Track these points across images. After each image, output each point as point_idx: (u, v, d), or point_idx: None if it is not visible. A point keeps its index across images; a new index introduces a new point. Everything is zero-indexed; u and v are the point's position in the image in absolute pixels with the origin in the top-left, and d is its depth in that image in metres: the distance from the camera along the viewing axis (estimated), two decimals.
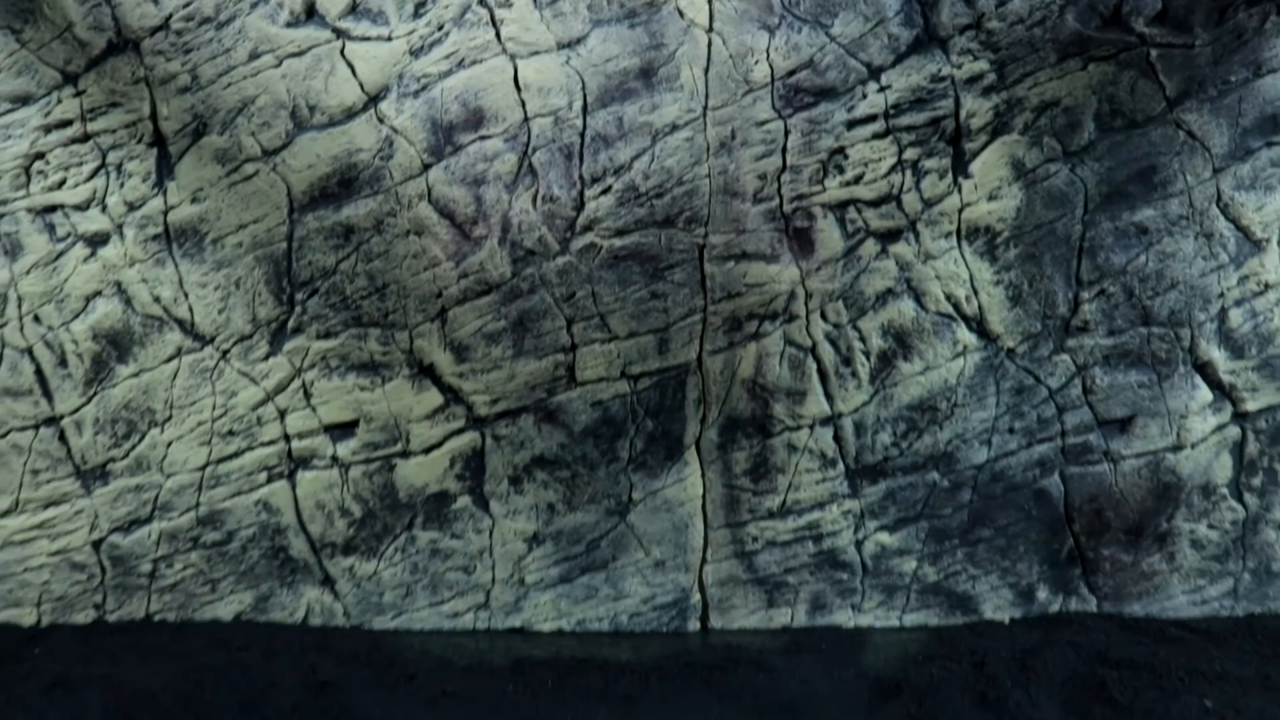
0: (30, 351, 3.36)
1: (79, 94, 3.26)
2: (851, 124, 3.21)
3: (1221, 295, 3.28)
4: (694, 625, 3.44)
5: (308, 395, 3.37)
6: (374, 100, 3.24)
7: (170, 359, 3.37)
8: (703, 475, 3.39)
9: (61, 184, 3.30)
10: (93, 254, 3.33)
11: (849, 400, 3.34)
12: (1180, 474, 3.34)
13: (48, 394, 3.38)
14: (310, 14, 3.24)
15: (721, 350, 3.31)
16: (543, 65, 3.22)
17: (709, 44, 3.21)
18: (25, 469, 3.38)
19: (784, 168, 3.23)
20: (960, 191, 3.25)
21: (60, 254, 3.33)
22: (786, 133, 3.22)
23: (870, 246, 3.28)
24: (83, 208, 3.32)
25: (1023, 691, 2.93)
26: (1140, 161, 3.22)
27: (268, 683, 3.04)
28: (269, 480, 3.40)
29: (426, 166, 3.24)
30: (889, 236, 3.28)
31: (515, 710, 2.93)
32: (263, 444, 3.39)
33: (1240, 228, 3.25)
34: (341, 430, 3.40)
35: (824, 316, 3.30)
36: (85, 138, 3.29)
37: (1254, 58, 3.17)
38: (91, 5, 3.18)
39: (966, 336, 3.31)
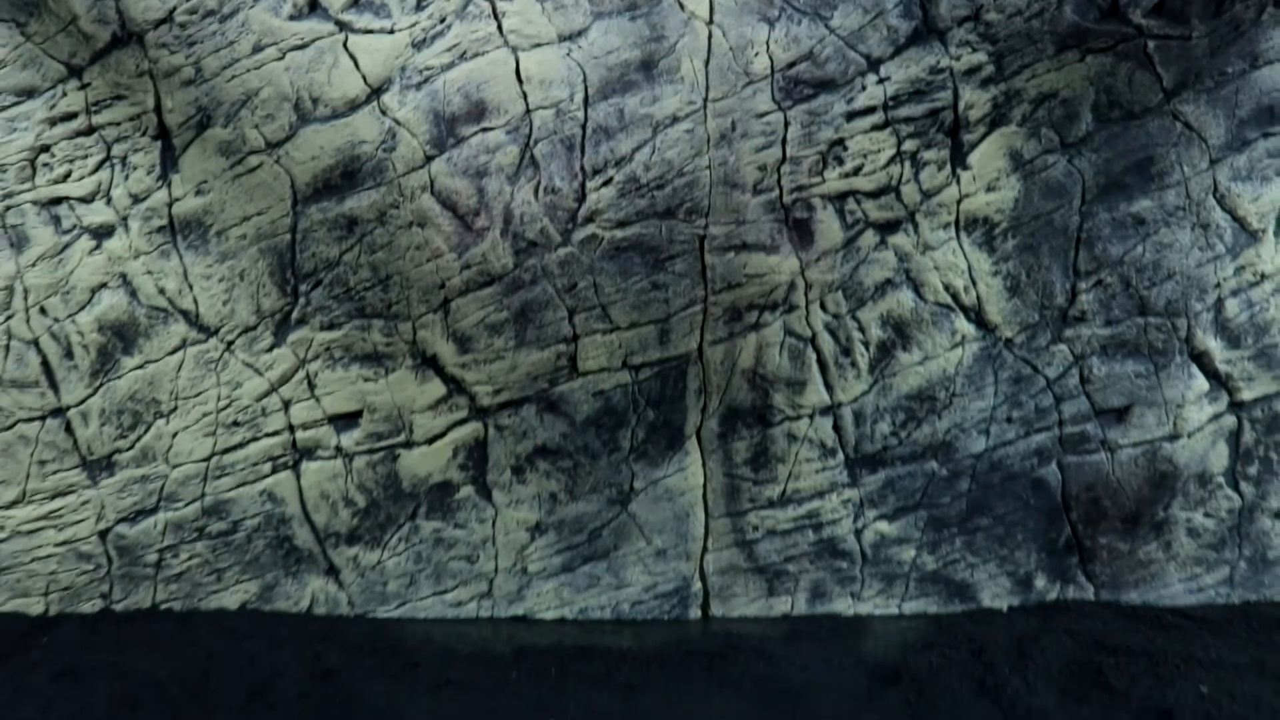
0: (37, 343, 3.38)
1: (84, 87, 3.28)
2: (851, 116, 3.23)
3: (1218, 285, 3.30)
4: (695, 613, 3.47)
5: (312, 386, 3.40)
6: (377, 92, 3.25)
7: (175, 350, 3.39)
8: (703, 465, 3.41)
9: (67, 177, 3.32)
10: (98, 246, 3.35)
11: (848, 390, 3.36)
12: (1177, 463, 3.36)
13: (54, 385, 3.40)
14: (313, 7, 3.25)
15: (722, 340, 3.34)
16: (544, 57, 3.24)
17: (709, 36, 3.22)
18: (32, 460, 3.41)
19: (784, 159, 3.25)
20: (959, 183, 3.27)
21: (66, 246, 3.35)
22: (786, 124, 3.24)
23: (869, 237, 3.30)
24: (88, 200, 3.34)
25: (1021, 678, 2.96)
26: (1137, 153, 3.24)
27: (273, 671, 3.07)
28: (274, 470, 3.43)
29: (429, 158, 3.26)
30: (888, 227, 3.29)
31: (518, 698, 2.96)
32: (267, 434, 3.42)
33: (1237, 218, 3.27)
34: (345, 421, 3.42)
35: (824, 307, 3.33)
36: (90, 130, 3.30)
37: (1251, 49, 3.18)
38: None
39: (965, 327, 3.33)
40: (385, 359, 3.37)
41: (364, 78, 3.24)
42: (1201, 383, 3.34)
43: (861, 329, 3.33)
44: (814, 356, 3.35)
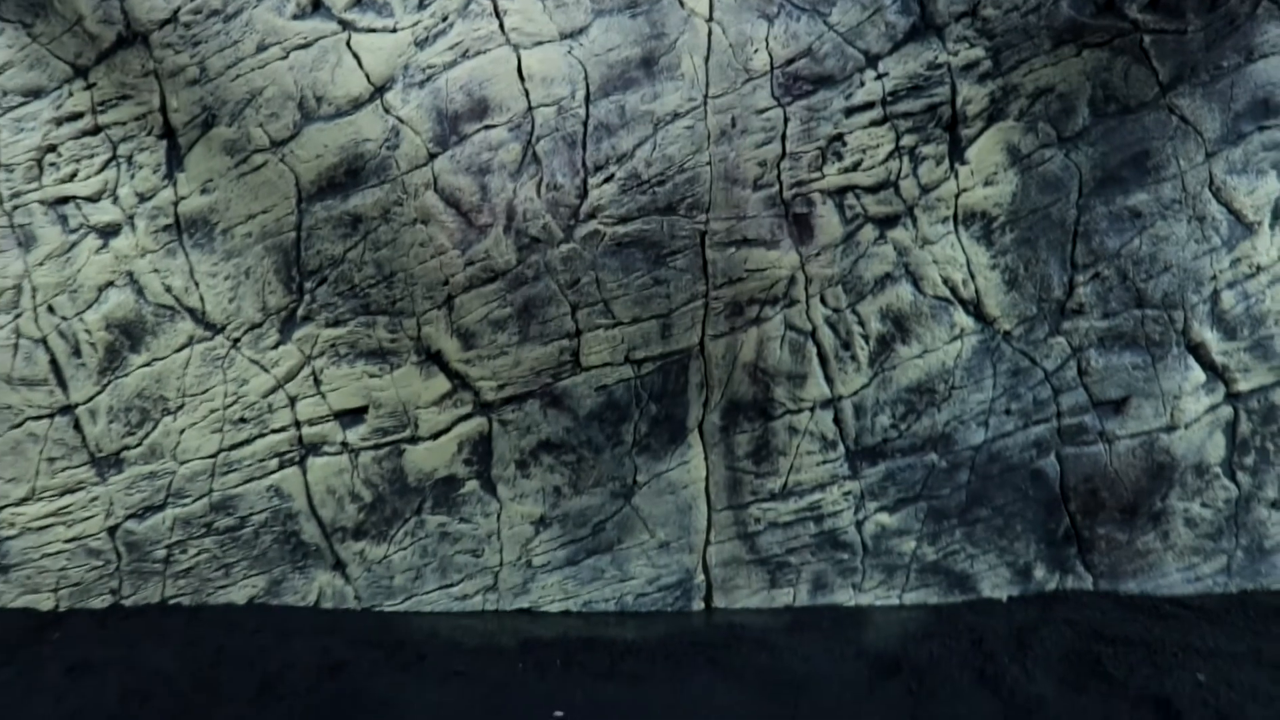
0: (45, 341, 3.40)
1: (89, 87, 3.30)
2: (850, 111, 3.25)
3: (1214, 278, 3.32)
4: (698, 605, 3.50)
5: (317, 382, 3.42)
6: (380, 91, 3.28)
7: (182, 348, 3.42)
8: (706, 458, 3.44)
9: (73, 176, 3.34)
10: (105, 245, 3.37)
11: (849, 383, 3.39)
12: (1174, 454, 3.39)
13: (62, 383, 3.43)
14: (316, 6, 3.27)
15: (723, 335, 3.36)
16: (546, 55, 3.26)
17: (709, 33, 3.24)
18: (41, 457, 3.43)
19: (783, 155, 3.28)
20: (957, 177, 3.29)
21: (73, 245, 3.37)
22: (786, 120, 3.26)
23: (869, 232, 3.32)
24: (94, 199, 3.36)
25: (1020, 667, 2.99)
26: (1134, 146, 3.26)
27: (282, 664, 3.10)
28: (280, 466, 3.46)
29: (432, 156, 3.28)
30: (887, 222, 3.32)
31: (524, 689, 2.98)
32: (274, 431, 3.44)
33: (1232, 211, 3.30)
34: (351, 416, 3.45)
35: (824, 301, 3.35)
36: (96, 130, 3.32)
37: (1245, 43, 3.20)
38: None
39: (963, 320, 3.36)
40: (390, 355, 3.40)
41: (367, 76, 3.27)
42: (1198, 374, 3.36)
43: (861, 323, 3.36)
44: (814, 350, 3.38)
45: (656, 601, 3.49)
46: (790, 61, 3.24)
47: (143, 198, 3.36)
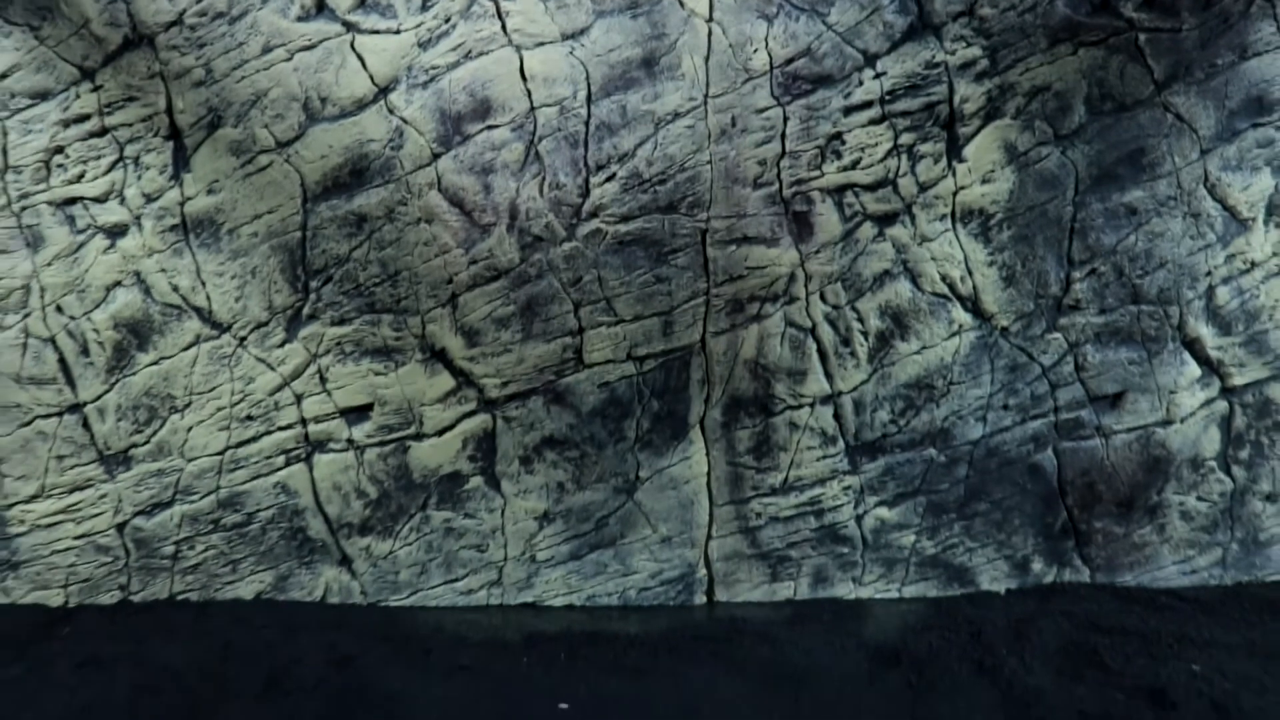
0: (53, 341, 3.43)
1: (96, 89, 3.32)
2: (848, 110, 3.28)
3: (1209, 273, 3.35)
4: (700, 599, 3.53)
5: (323, 380, 3.45)
6: (384, 92, 3.30)
7: (189, 346, 3.45)
8: (707, 453, 3.47)
9: (81, 177, 3.37)
10: (112, 245, 3.40)
11: (848, 379, 3.42)
12: (1170, 448, 3.42)
13: (71, 382, 3.46)
14: (320, 8, 3.30)
15: (724, 332, 3.39)
16: (548, 56, 3.29)
17: (709, 33, 3.27)
18: (50, 455, 3.46)
19: (783, 153, 3.30)
20: (954, 175, 3.32)
21: (81, 245, 3.40)
22: (785, 119, 3.29)
23: (867, 229, 3.35)
24: (102, 200, 3.38)
25: (1018, 659, 3.01)
26: (1129, 144, 3.29)
27: (289, 659, 3.12)
28: (287, 463, 3.49)
29: (436, 156, 3.31)
30: (886, 220, 3.35)
31: (529, 683, 3.00)
32: (280, 428, 3.48)
33: (1227, 207, 3.32)
34: (356, 414, 3.48)
35: (823, 298, 3.38)
36: (103, 131, 3.35)
37: (1240, 41, 3.23)
38: (107, 2, 3.24)
39: (961, 316, 3.39)
40: (395, 353, 3.43)
41: (371, 77, 3.29)
42: (1193, 369, 3.39)
43: (860, 319, 3.39)
44: (814, 346, 3.40)
45: (659, 595, 3.52)
46: (789, 61, 3.26)
47: (149, 198, 3.38)
